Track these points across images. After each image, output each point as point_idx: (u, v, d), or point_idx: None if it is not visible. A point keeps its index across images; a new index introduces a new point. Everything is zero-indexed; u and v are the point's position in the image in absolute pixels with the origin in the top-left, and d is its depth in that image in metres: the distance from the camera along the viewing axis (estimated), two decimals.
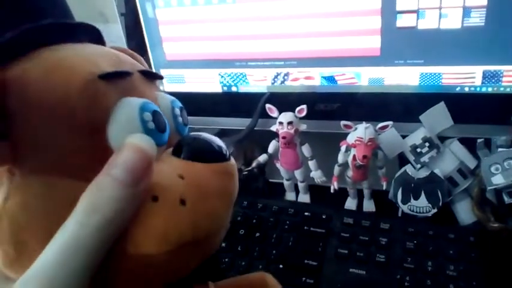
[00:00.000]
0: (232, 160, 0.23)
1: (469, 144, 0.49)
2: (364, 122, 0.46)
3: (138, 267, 0.19)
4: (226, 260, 0.48)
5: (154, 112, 0.21)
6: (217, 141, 0.23)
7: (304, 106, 0.49)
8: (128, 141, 0.19)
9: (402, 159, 0.54)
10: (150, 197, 0.19)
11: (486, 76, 0.47)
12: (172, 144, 0.23)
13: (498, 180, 0.42)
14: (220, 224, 0.22)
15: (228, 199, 0.22)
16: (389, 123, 0.46)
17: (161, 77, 0.26)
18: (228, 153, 0.23)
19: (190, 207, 0.20)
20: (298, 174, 0.55)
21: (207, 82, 0.58)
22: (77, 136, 0.19)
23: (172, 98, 0.25)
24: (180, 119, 0.25)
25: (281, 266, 0.46)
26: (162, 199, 0.19)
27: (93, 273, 0.17)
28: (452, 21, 0.45)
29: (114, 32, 0.59)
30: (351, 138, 0.47)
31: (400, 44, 0.48)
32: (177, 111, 0.25)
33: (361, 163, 0.46)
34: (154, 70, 0.59)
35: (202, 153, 0.22)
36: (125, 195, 0.18)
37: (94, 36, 0.24)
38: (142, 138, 0.19)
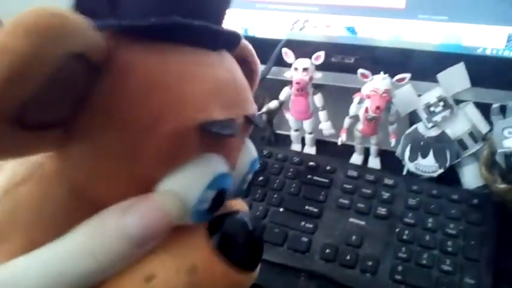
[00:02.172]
0: (256, 272, 0.19)
1: (484, 109, 0.48)
2: (381, 73, 0.46)
3: None
4: None
5: (220, 191, 0.17)
6: (261, 246, 0.19)
7: (322, 52, 0.48)
8: (158, 198, 0.16)
9: (412, 122, 0.54)
10: (144, 276, 0.16)
11: (511, 39, 0.45)
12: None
13: (510, 143, 0.42)
14: None
15: None
16: (407, 75, 0.45)
17: (259, 126, 0.21)
18: (257, 265, 0.19)
19: None
20: (307, 124, 0.55)
21: (226, 23, 0.56)
22: (135, 163, 0.16)
23: (255, 156, 0.21)
24: (245, 185, 0.21)
25: (281, 209, 0.47)
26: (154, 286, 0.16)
27: None
28: None
29: None
30: (365, 89, 0.46)
31: None
32: (250, 177, 0.21)
33: (373, 114, 0.46)
34: None
35: (235, 250, 0.18)
36: (127, 255, 0.15)
37: (233, 45, 0.20)
38: (174, 201, 0.16)
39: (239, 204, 0.20)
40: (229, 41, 0.20)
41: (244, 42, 0.23)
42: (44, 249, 0.15)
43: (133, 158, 0.16)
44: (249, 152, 0.20)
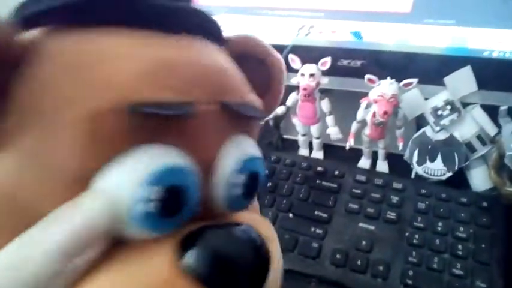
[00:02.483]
0: None
1: (491, 112, 0.48)
2: (388, 78, 0.46)
3: None
4: None
5: (172, 187, 0.14)
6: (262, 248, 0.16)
7: (328, 58, 0.48)
8: (83, 203, 0.14)
9: (419, 125, 0.54)
10: None
11: None
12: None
13: None
14: None
15: None
16: (414, 80, 0.45)
17: (257, 118, 0.19)
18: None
19: None
20: (314, 129, 0.55)
21: (231, 30, 0.57)
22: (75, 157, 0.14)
23: (251, 155, 0.17)
24: (237, 191, 0.17)
25: (291, 215, 0.47)
26: None
27: None
28: None
29: None
30: (373, 94, 0.46)
31: (433, 1, 0.47)
32: (240, 178, 0.17)
33: (381, 119, 0.46)
34: None
35: (213, 276, 0.14)
36: (57, 271, 0.13)
37: (207, 30, 0.18)
38: (103, 201, 0.14)
39: (247, 217, 0.18)
40: (196, 25, 0.18)
41: (263, 43, 0.22)
42: None
43: (53, 154, 0.14)
44: (239, 149, 0.17)
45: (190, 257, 0.14)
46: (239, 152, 0.17)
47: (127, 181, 0.13)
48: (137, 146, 0.14)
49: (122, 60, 0.15)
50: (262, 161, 0.18)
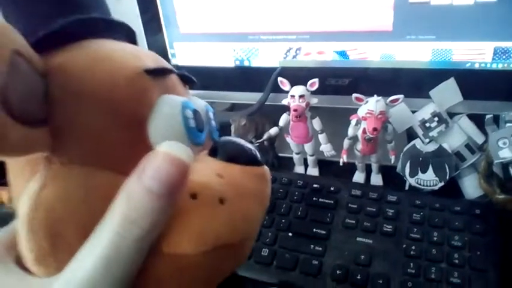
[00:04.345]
0: (266, 167, 0.23)
1: (478, 120, 0.50)
2: (375, 95, 0.47)
3: (172, 267, 0.18)
4: None
5: (195, 111, 0.21)
6: (251, 146, 0.23)
7: (316, 80, 0.50)
8: (163, 149, 0.17)
9: (410, 135, 0.56)
10: (188, 194, 0.18)
11: (497, 52, 0.47)
12: (206, 148, 0.23)
13: (505, 154, 0.43)
14: (255, 228, 0.22)
15: (264, 202, 0.22)
16: (401, 96, 0.47)
17: (194, 81, 0.26)
18: (262, 159, 0.23)
19: (229, 207, 0.19)
20: (308, 147, 0.56)
21: (220, 56, 0.59)
22: (119, 128, 0.19)
23: (205, 102, 0.25)
24: (213, 123, 0.24)
25: (290, 234, 0.48)
26: (201, 197, 0.19)
27: (132, 282, 0.17)
28: None
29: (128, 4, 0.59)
30: (361, 111, 0.48)
31: (413, 19, 0.48)
32: (211, 115, 0.24)
33: (371, 136, 0.47)
34: (168, 44, 0.60)
35: (239, 155, 0.22)
36: (161, 207, 0.17)
37: (129, 36, 0.24)
38: (178, 147, 0.18)
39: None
40: (126, 31, 0.24)
41: None
42: (94, 241, 0.17)
43: (114, 120, 0.19)
44: (199, 100, 0.24)
45: (221, 153, 0.22)
46: (201, 101, 0.24)
47: (173, 111, 0.20)
48: (161, 95, 0.20)
49: (122, 49, 0.21)
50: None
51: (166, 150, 0.17)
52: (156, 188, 0.16)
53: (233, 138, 0.23)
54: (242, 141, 0.23)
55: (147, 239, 0.17)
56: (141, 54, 0.21)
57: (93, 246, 0.17)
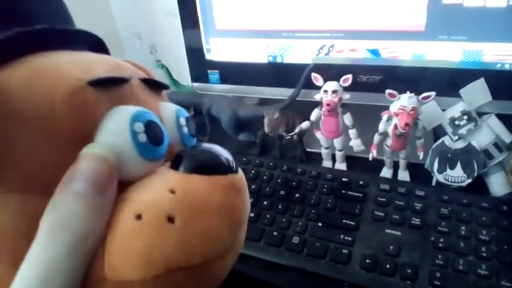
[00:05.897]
0: (241, 173, 0.21)
1: (506, 120, 0.51)
2: (407, 92, 0.49)
3: None
4: (268, 216, 0.51)
5: (148, 122, 0.19)
6: (224, 152, 0.21)
7: (349, 75, 0.51)
8: (84, 151, 0.17)
9: (436, 134, 0.57)
10: (133, 215, 0.17)
11: None
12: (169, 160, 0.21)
13: None
14: (222, 247, 0.19)
15: (233, 217, 0.19)
16: (433, 93, 0.48)
17: (166, 87, 0.25)
18: (235, 166, 0.21)
19: (181, 226, 0.17)
20: (337, 142, 0.58)
21: (254, 52, 0.61)
22: (61, 149, 0.17)
23: (178, 107, 0.23)
24: (185, 130, 0.23)
25: (320, 224, 0.49)
26: (145, 217, 0.17)
27: None
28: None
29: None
30: (393, 107, 0.49)
31: (445, 20, 0.50)
32: (183, 121, 0.23)
33: (402, 131, 0.49)
34: (204, 39, 0.62)
35: (203, 164, 0.19)
36: (91, 209, 0.16)
37: (95, 44, 0.23)
38: (99, 147, 0.17)
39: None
40: (90, 40, 0.23)
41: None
42: (25, 265, 0.15)
43: (54, 138, 0.17)
44: (170, 106, 0.23)
45: (185, 163, 0.19)
46: (171, 107, 0.23)
47: (119, 126, 0.18)
48: (110, 108, 0.19)
49: (72, 60, 0.20)
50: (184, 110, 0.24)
51: (88, 151, 0.17)
52: (82, 189, 0.16)
53: (205, 144, 0.21)
54: (213, 148, 0.21)
55: (82, 246, 0.16)
56: (92, 64, 0.20)
57: (26, 266, 0.15)
